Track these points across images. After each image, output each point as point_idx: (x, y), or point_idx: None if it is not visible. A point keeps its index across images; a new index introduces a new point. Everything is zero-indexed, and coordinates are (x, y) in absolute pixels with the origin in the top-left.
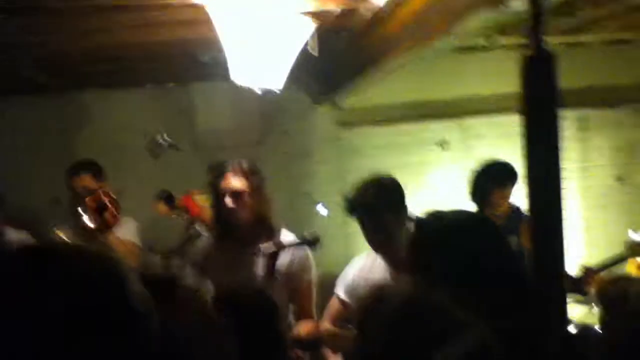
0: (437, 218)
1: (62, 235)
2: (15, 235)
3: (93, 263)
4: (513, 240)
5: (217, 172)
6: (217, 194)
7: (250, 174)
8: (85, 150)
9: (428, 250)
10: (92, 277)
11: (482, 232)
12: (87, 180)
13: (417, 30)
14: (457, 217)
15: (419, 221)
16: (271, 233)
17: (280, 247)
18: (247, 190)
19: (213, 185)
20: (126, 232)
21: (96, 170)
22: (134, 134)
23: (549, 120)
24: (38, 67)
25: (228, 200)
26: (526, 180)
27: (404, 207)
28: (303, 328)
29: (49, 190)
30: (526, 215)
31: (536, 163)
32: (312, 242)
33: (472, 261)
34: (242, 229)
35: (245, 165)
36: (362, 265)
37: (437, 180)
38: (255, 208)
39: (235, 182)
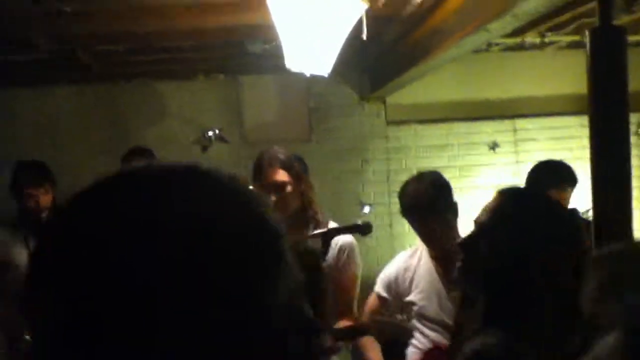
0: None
1: None
2: None
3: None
4: None
5: (257, 164)
6: (260, 188)
7: (290, 165)
8: (135, 140)
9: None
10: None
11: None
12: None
13: (471, 14)
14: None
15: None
16: (318, 222)
17: (331, 232)
18: (288, 181)
19: (254, 178)
20: None
21: (150, 156)
22: (183, 126)
23: (618, 97)
24: (90, 56)
25: (271, 195)
26: (593, 175)
27: (455, 204)
28: (342, 322)
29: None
30: (584, 219)
31: (606, 153)
32: (364, 229)
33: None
34: (288, 223)
35: (283, 156)
36: (401, 262)
37: (486, 183)
38: (299, 199)
39: (276, 174)
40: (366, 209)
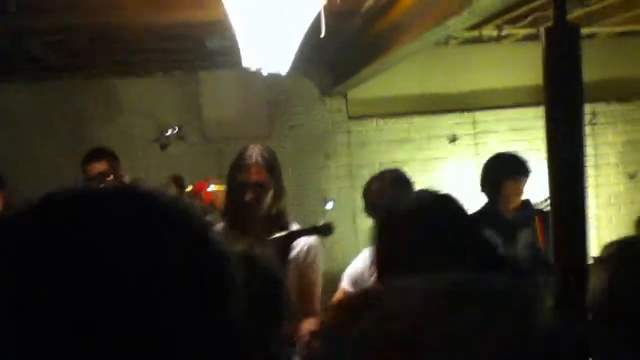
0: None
1: None
2: None
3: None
4: (527, 233)
5: (238, 160)
6: (236, 185)
7: (273, 166)
8: (95, 137)
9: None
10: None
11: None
12: (102, 167)
13: (430, 10)
14: (419, 198)
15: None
16: (284, 226)
17: (293, 235)
18: (268, 183)
19: (232, 175)
20: None
21: (111, 157)
22: (143, 122)
23: (573, 94)
24: (49, 49)
25: (249, 194)
26: (549, 163)
27: None
28: (306, 323)
29: (62, 176)
30: (538, 209)
31: (561, 143)
32: (325, 230)
33: (436, 240)
34: (258, 223)
35: (267, 154)
36: (367, 257)
37: (447, 175)
38: (274, 202)
39: (258, 174)
40: (329, 205)
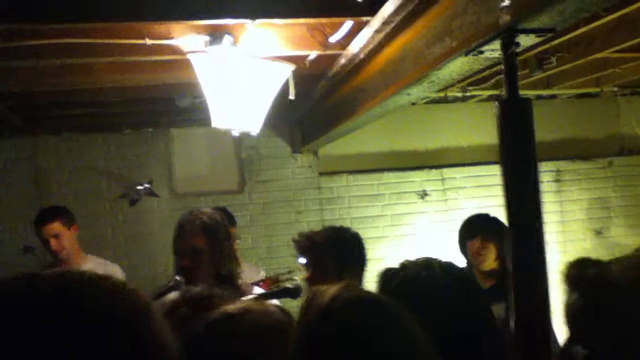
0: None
1: None
2: (101, 266)
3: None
4: (499, 307)
5: (177, 226)
6: (175, 252)
7: (213, 230)
8: (60, 195)
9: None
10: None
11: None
12: (56, 227)
13: (392, 78)
14: (421, 268)
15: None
16: (240, 294)
17: (261, 297)
18: (206, 248)
19: (173, 241)
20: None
21: (65, 216)
22: (111, 180)
23: (528, 164)
24: (11, 108)
25: (185, 259)
26: (509, 228)
27: (354, 260)
28: None
29: (22, 237)
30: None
31: (517, 210)
32: (294, 292)
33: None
34: (204, 287)
35: (208, 219)
36: None
37: (417, 230)
38: (215, 267)
39: (195, 240)
40: (302, 260)
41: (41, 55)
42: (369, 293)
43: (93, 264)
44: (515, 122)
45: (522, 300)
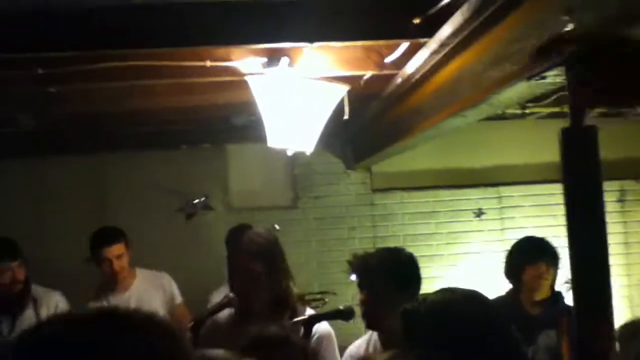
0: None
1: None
2: (47, 295)
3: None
4: (549, 334)
5: (230, 243)
6: (230, 275)
7: (266, 251)
8: (117, 213)
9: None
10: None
11: (471, 311)
12: (121, 249)
13: (448, 100)
14: (443, 297)
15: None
16: (293, 313)
17: (313, 318)
18: (263, 272)
19: (229, 259)
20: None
21: (125, 238)
22: (168, 196)
23: (592, 195)
24: (75, 129)
25: (241, 283)
26: (570, 257)
27: (408, 284)
28: None
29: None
30: (568, 306)
31: (580, 239)
32: (346, 315)
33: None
34: (259, 310)
35: (262, 239)
36: (357, 345)
37: (472, 249)
38: (271, 289)
39: (247, 262)
40: (353, 277)
41: (111, 78)
42: None
43: (141, 278)
44: (579, 153)
45: (584, 330)
